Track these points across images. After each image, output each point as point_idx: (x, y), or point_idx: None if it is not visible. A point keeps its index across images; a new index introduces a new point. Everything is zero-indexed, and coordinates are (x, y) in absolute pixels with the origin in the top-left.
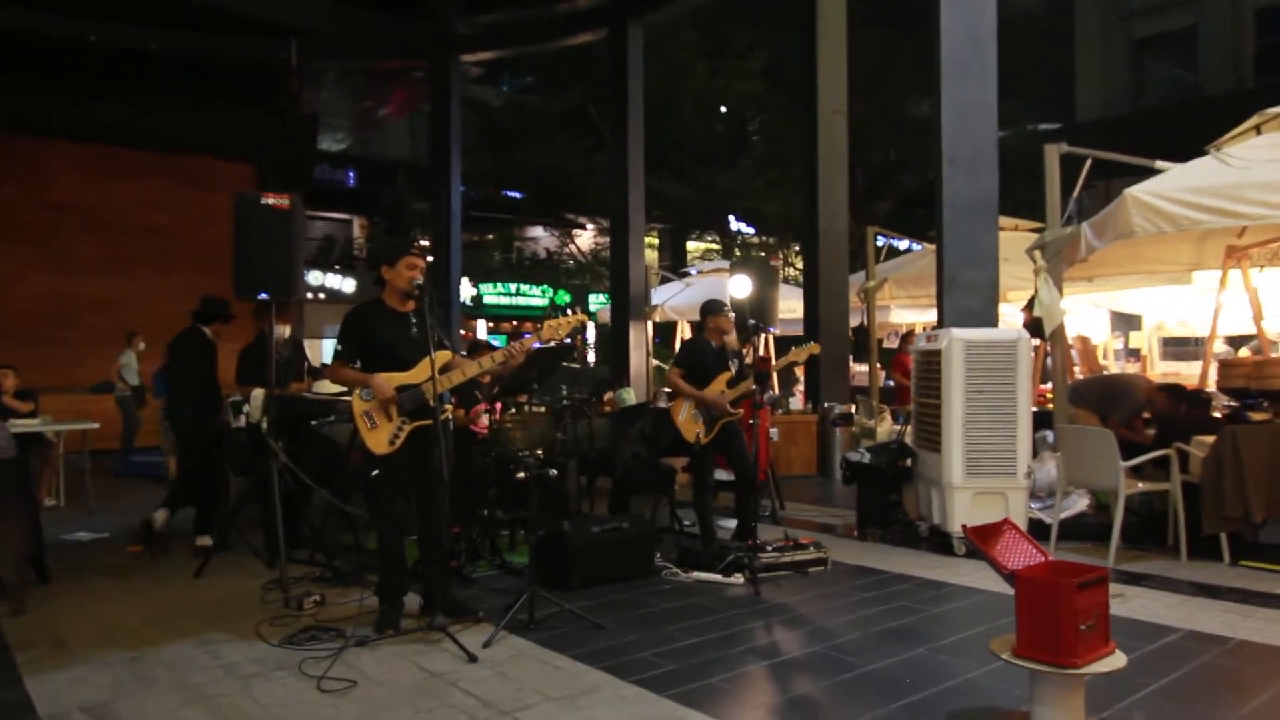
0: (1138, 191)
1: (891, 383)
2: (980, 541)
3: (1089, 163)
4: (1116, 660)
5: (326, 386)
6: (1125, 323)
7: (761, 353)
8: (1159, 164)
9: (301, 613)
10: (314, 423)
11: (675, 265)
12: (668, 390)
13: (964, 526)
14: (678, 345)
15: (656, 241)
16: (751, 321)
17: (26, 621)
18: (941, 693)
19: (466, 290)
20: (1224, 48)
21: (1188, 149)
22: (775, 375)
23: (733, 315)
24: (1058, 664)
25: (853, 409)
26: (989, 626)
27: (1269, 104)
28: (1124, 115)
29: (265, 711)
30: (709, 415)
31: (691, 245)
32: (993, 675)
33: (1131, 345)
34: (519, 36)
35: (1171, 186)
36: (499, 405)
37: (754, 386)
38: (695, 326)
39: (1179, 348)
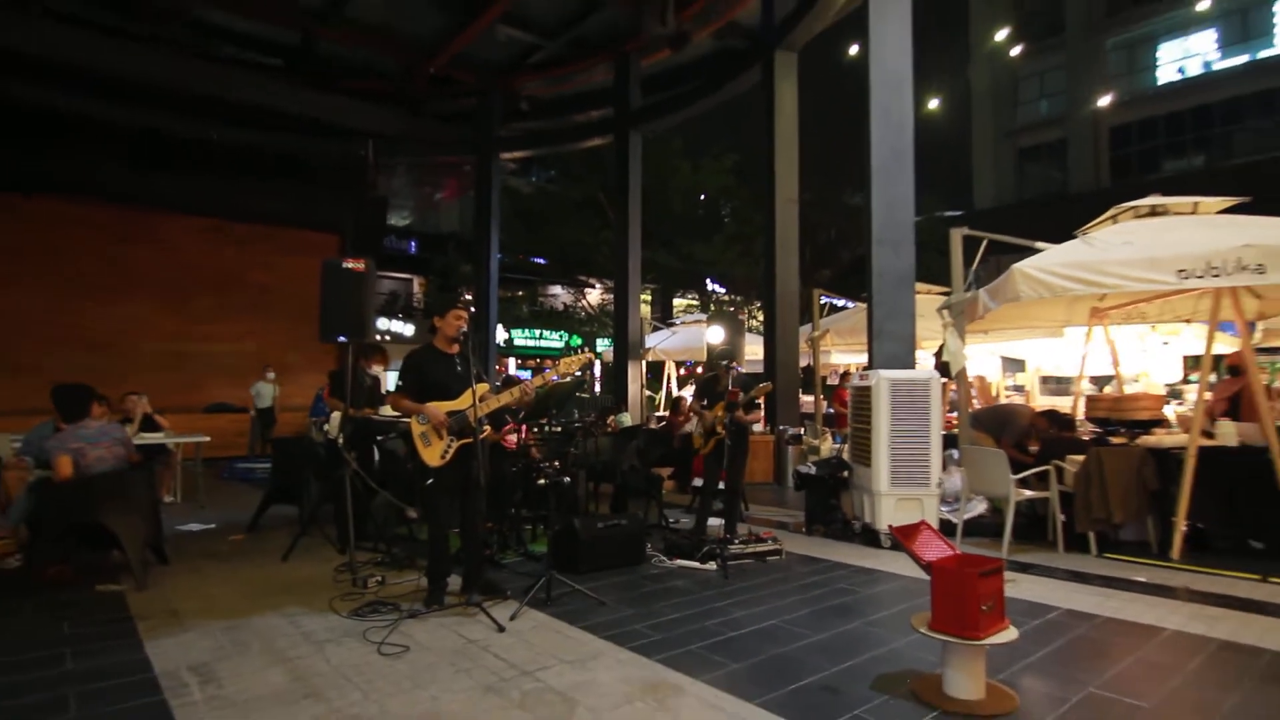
0: (1024, 266)
1: (832, 410)
2: (903, 538)
3: (984, 243)
4: (1010, 634)
5: (389, 410)
6: (1013, 365)
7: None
8: (1038, 244)
9: (366, 591)
10: (380, 439)
11: (664, 317)
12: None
13: (890, 526)
14: (665, 380)
15: (649, 298)
16: (724, 362)
17: (147, 596)
18: (872, 658)
19: (501, 334)
20: (1086, 157)
21: (1059, 233)
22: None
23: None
24: (964, 636)
25: (801, 431)
26: (908, 605)
27: (1122, 199)
28: (1010, 205)
29: (335, 671)
30: (707, 431)
31: (677, 302)
32: (912, 645)
33: (1018, 383)
34: (546, 140)
35: (1049, 262)
36: (525, 426)
37: (723, 413)
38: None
39: (1054, 385)
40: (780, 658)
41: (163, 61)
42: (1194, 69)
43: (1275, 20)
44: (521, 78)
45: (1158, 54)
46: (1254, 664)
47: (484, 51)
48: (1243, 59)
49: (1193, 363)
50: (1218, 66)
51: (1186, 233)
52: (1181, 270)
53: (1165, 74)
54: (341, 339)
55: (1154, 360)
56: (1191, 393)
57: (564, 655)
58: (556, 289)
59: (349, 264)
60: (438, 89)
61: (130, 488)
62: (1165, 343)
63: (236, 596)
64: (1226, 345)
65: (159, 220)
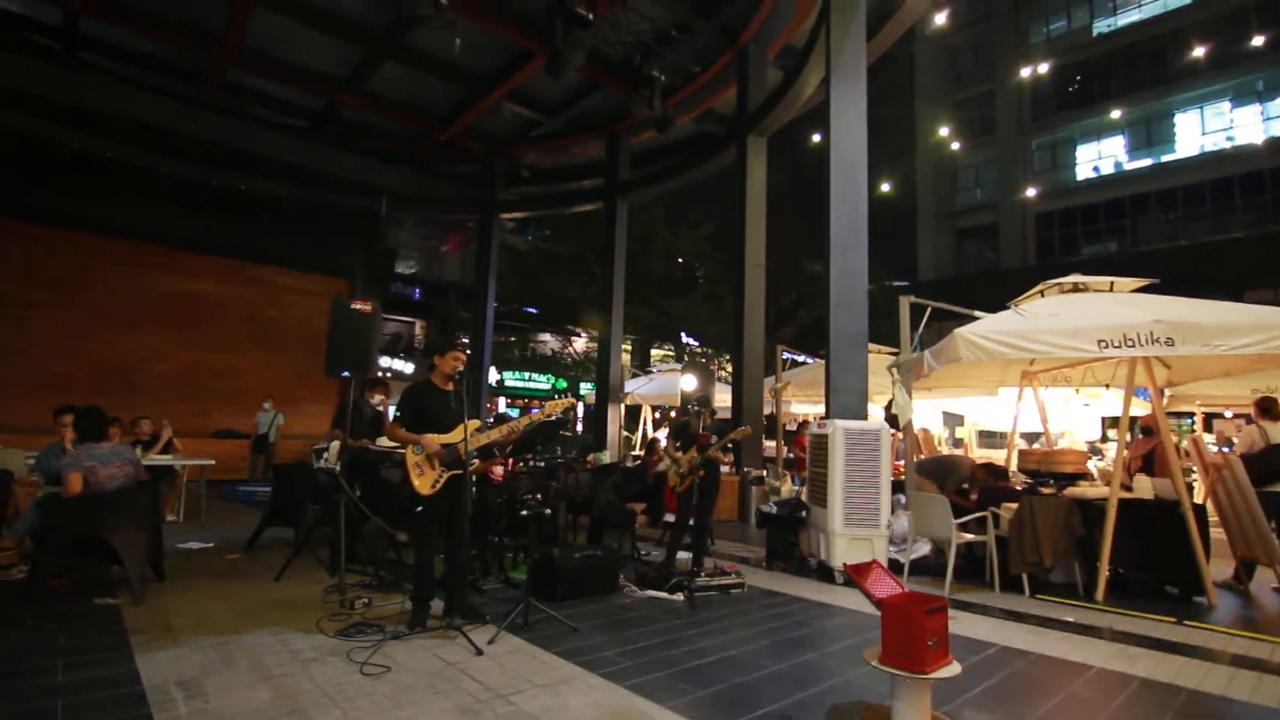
0: (964, 331)
1: (792, 455)
2: (856, 575)
3: (928, 310)
4: (954, 669)
5: (384, 441)
6: (952, 420)
7: (703, 431)
8: (976, 313)
9: (353, 612)
10: (380, 469)
11: (643, 365)
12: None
13: (845, 564)
14: (641, 423)
15: (629, 349)
16: (696, 409)
17: (143, 610)
18: (827, 689)
19: (494, 376)
20: (1015, 238)
21: (993, 303)
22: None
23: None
24: (911, 670)
25: (764, 473)
26: (861, 639)
27: (1046, 276)
28: (950, 277)
29: (318, 689)
30: (684, 472)
31: (655, 352)
32: (864, 677)
33: (957, 436)
34: (542, 204)
35: (986, 329)
36: (510, 460)
37: (697, 455)
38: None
39: (989, 439)
40: (741, 686)
41: (201, 118)
42: (1107, 168)
43: (1175, 130)
44: (523, 148)
45: (1076, 154)
46: (1172, 700)
47: (491, 125)
48: (1148, 161)
49: (1111, 422)
50: (1127, 167)
51: (1105, 307)
52: (1101, 340)
53: (1083, 171)
54: (345, 374)
55: (1077, 419)
56: (1110, 449)
57: (538, 679)
58: (546, 336)
59: (357, 305)
60: (447, 154)
61: (134, 505)
62: (1086, 404)
63: (229, 613)
64: (1140, 408)
65: (181, 257)
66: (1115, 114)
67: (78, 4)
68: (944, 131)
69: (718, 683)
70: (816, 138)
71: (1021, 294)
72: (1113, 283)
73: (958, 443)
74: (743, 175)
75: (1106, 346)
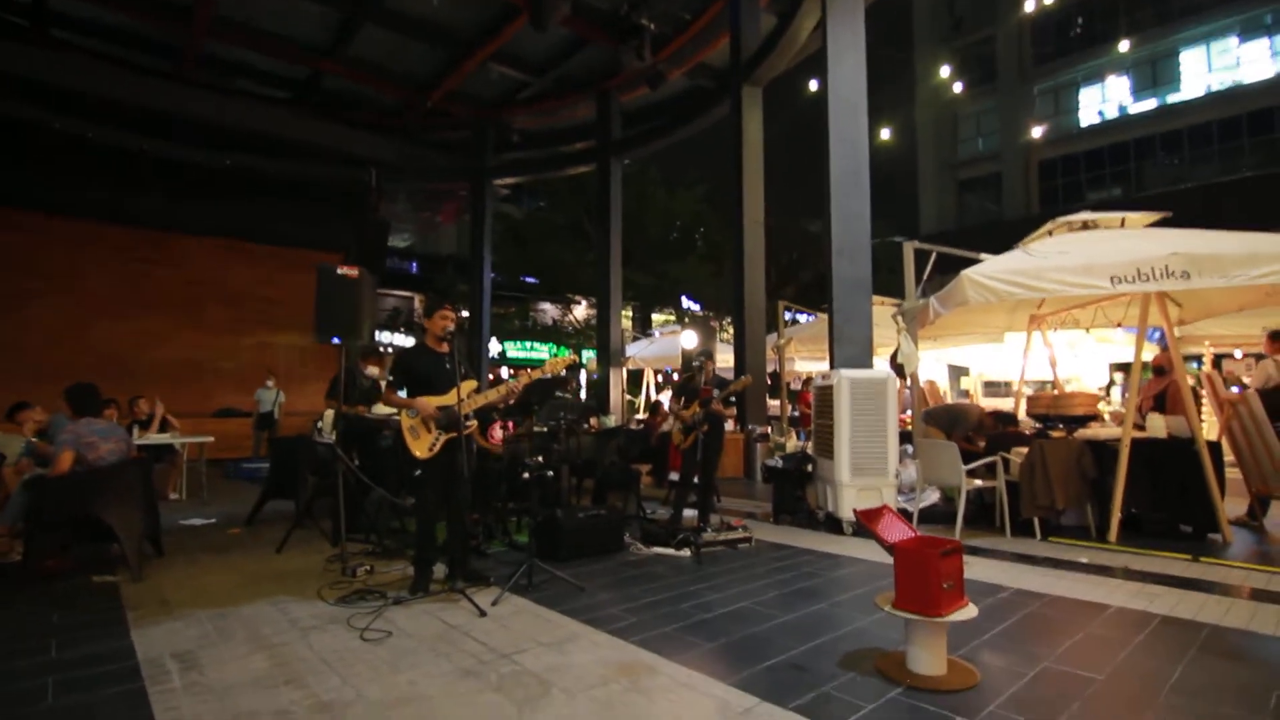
0: (970, 273)
1: (796, 412)
2: (867, 521)
3: (933, 256)
4: (970, 611)
5: (381, 409)
6: (957, 371)
7: (705, 385)
8: (981, 255)
9: (354, 579)
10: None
11: (644, 331)
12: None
13: (855, 510)
14: (644, 386)
15: (630, 315)
16: (697, 362)
17: (142, 587)
18: (838, 637)
19: (495, 347)
20: (1018, 187)
21: (997, 254)
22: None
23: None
24: (926, 614)
25: (768, 430)
26: (871, 588)
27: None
28: (951, 230)
29: (317, 657)
30: (687, 427)
31: (655, 317)
32: (876, 624)
33: (962, 388)
34: (534, 168)
35: (994, 269)
36: (510, 423)
37: (699, 409)
38: (684, 368)
39: (993, 389)
40: (751, 638)
41: (182, 94)
42: (1111, 112)
43: (1180, 69)
44: (512, 111)
45: (1079, 98)
46: (1194, 637)
47: (477, 88)
48: (1152, 103)
49: (1118, 368)
50: (1132, 110)
51: (1118, 243)
52: (1115, 276)
53: (1086, 116)
54: (336, 340)
55: (1084, 365)
56: (1116, 395)
57: (542, 638)
58: (546, 305)
59: (342, 270)
60: (434, 121)
61: (127, 481)
62: (1094, 350)
63: (228, 586)
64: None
65: (175, 240)
66: (1120, 50)
67: None
68: (943, 81)
69: (727, 635)
70: (814, 85)
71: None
72: (1124, 218)
73: (963, 394)
74: (738, 127)
75: (1120, 282)
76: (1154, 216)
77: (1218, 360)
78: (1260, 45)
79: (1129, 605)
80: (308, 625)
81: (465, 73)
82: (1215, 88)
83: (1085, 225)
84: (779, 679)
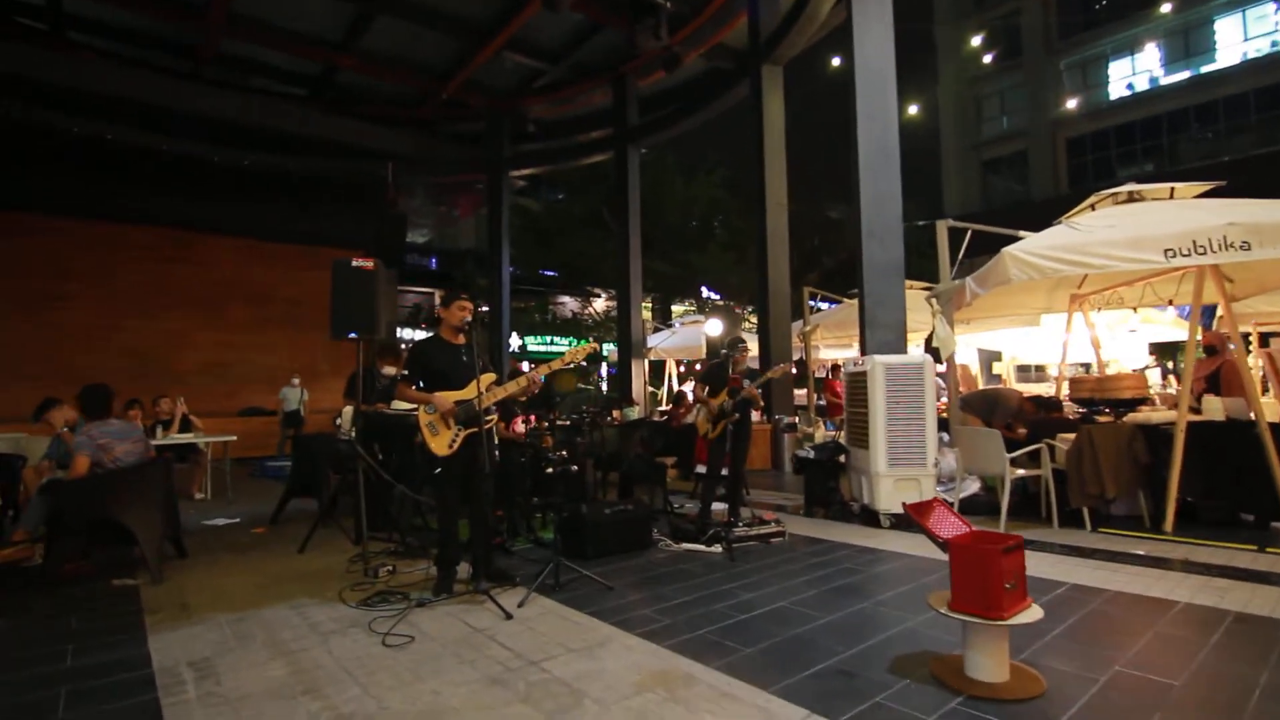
0: (1013, 249)
1: (823, 401)
2: (917, 515)
3: (969, 234)
4: (1035, 612)
5: (400, 405)
6: (989, 356)
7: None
8: (1021, 233)
9: (376, 580)
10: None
11: (665, 321)
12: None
13: (904, 504)
14: (666, 377)
15: (650, 306)
16: (726, 350)
17: (161, 590)
18: (886, 639)
19: (515, 341)
20: (1045, 166)
21: (1002, 241)
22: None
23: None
24: (988, 616)
25: (796, 420)
26: (915, 584)
27: (1082, 203)
28: (977, 212)
29: (337, 664)
30: (716, 417)
31: (676, 308)
32: (925, 624)
33: (994, 372)
34: (551, 158)
35: (1038, 245)
36: (534, 416)
37: (729, 399)
38: (711, 356)
39: (1024, 373)
40: (793, 640)
41: (199, 94)
42: (1141, 85)
43: (1215, 37)
44: (528, 101)
45: (1108, 71)
46: (1275, 635)
47: (492, 77)
48: (1185, 74)
49: (1155, 349)
50: (1163, 81)
51: (1168, 214)
52: (1168, 250)
53: (1115, 90)
54: (352, 335)
55: (1122, 348)
56: (1154, 377)
57: (571, 643)
58: (565, 298)
59: (358, 262)
60: (450, 113)
61: (146, 482)
62: (1133, 330)
63: (249, 588)
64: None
65: (199, 240)
66: (1166, 5)
67: None
68: (966, 58)
69: (767, 638)
70: (836, 61)
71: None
72: (1173, 189)
73: (995, 379)
74: (759, 108)
75: (1174, 256)
76: (1205, 186)
77: (1265, 339)
78: None
79: (1196, 601)
80: (328, 629)
81: (480, 62)
82: (1252, 55)
83: (1131, 197)
84: (827, 687)
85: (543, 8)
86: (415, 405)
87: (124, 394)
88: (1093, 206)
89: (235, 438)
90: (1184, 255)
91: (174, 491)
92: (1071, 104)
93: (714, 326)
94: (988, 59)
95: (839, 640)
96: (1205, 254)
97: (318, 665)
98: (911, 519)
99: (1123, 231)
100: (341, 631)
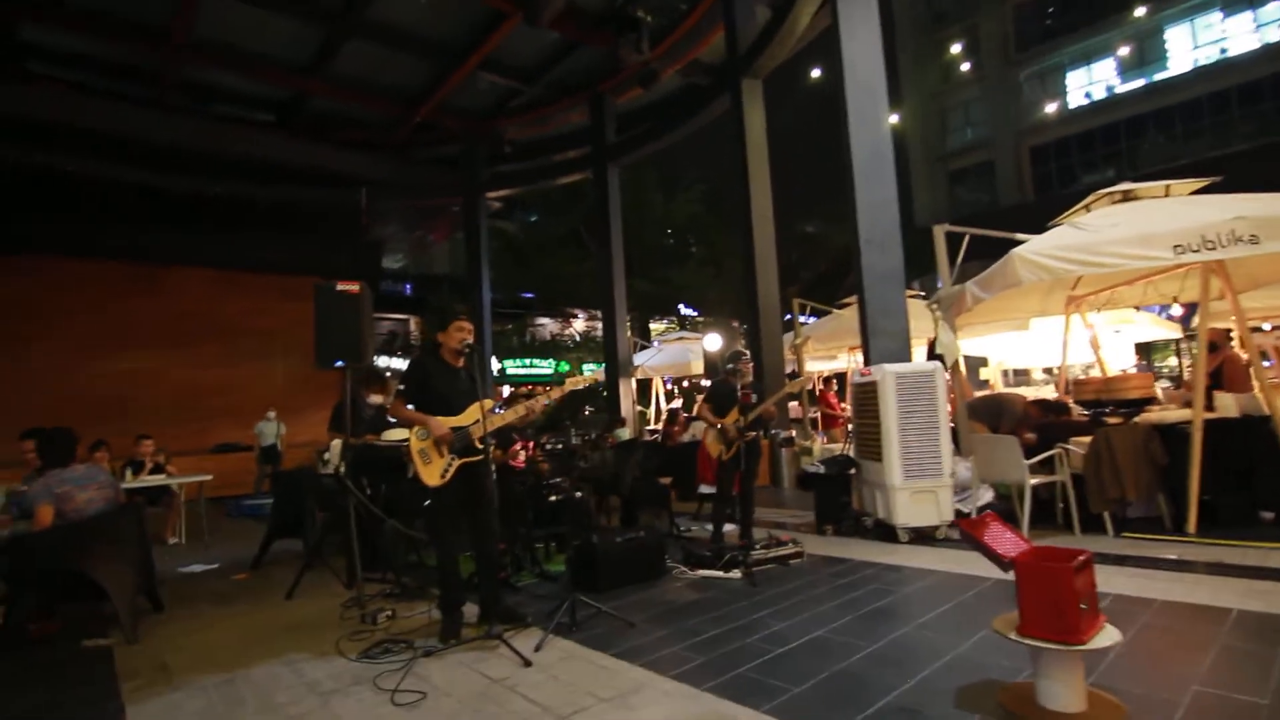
0: (1022, 251)
1: (816, 413)
2: (974, 532)
3: (966, 238)
4: (1113, 634)
5: (391, 436)
6: (975, 363)
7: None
8: (1019, 236)
9: (375, 627)
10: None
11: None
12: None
13: (958, 522)
14: (653, 396)
15: (628, 324)
16: (730, 365)
17: (137, 650)
18: (943, 667)
19: (495, 365)
20: (1010, 174)
21: (991, 247)
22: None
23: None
24: (1065, 641)
25: (793, 433)
26: (953, 604)
27: (1048, 212)
28: (944, 221)
29: None
30: (727, 438)
31: (654, 326)
32: (979, 648)
33: (982, 379)
34: (528, 179)
35: (1045, 246)
36: (531, 444)
37: (740, 416)
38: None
39: (1014, 379)
40: (842, 675)
41: (161, 121)
42: (1099, 93)
43: (1166, 46)
44: (504, 121)
45: (1066, 81)
46: None
47: (467, 99)
48: (1140, 82)
49: (1143, 349)
50: (1120, 90)
51: (1171, 210)
52: (1177, 245)
53: (1074, 99)
54: (339, 364)
55: (1108, 348)
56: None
57: (601, 691)
58: (544, 320)
59: (342, 286)
60: (424, 136)
61: (116, 532)
62: (1116, 331)
63: (235, 643)
64: (1168, 330)
65: (165, 274)
66: (1140, 9)
67: (7, 9)
68: (929, 72)
69: (813, 674)
70: (816, 73)
71: (1023, 231)
72: (1168, 186)
73: (982, 385)
74: (740, 122)
75: (1184, 252)
76: (1202, 182)
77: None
78: (1244, 19)
79: (1248, 608)
80: (328, 689)
81: (454, 84)
82: (1202, 62)
83: (1126, 196)
84: None
85: (517, 26)
86: (407, 429)
87: (91, 435)
88: (1088, 207)
89: (210, 477)
90: (1193, 251)
91: (148, 539)
92: (1041, 112)
93: (713, 341)
94: (951, 73)
95: (891, 672)
96: (1215, 249)
97: None
98: (967, 537)
99: (1130, 229)
100: (343, 690)
